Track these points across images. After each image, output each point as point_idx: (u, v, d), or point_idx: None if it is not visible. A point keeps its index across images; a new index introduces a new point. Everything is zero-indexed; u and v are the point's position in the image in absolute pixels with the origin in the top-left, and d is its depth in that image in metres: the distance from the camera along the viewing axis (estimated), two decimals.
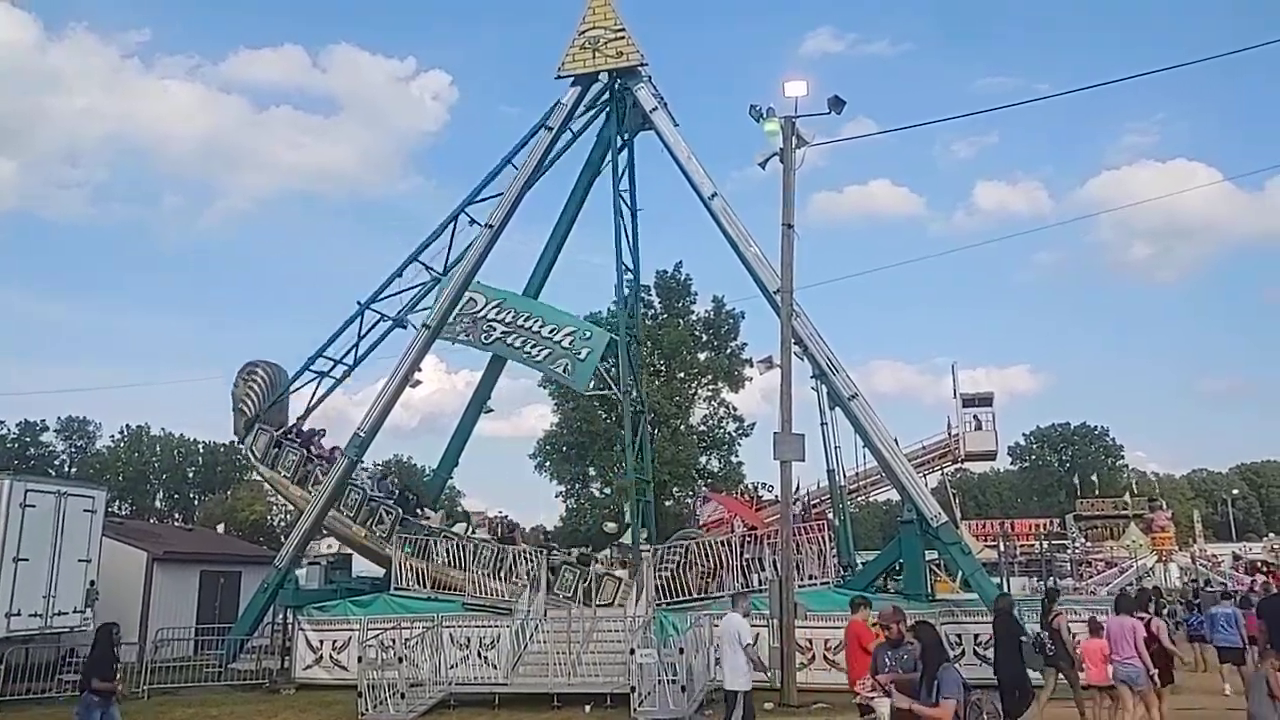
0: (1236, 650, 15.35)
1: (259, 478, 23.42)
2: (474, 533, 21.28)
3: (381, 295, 22.28)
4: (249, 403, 21.87)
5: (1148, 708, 11.26)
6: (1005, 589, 21.80)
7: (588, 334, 21.02)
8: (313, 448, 22.01)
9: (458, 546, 19.92)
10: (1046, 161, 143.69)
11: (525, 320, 21.01)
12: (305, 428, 22.73)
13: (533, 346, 20.88)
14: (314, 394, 22.65)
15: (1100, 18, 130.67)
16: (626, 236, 21.95)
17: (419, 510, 22.01)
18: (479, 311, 21.21)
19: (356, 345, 22.33)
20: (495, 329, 21.09)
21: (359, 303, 22.29)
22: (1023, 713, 9.65)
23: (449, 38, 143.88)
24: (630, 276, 22.29)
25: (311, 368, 22.62)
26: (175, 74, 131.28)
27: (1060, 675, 12.98)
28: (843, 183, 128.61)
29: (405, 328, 22.11)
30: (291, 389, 22.92)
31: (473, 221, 21.95)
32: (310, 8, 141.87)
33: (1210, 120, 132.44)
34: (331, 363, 22.60)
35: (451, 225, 21.96)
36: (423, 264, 21.98)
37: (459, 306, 21.20)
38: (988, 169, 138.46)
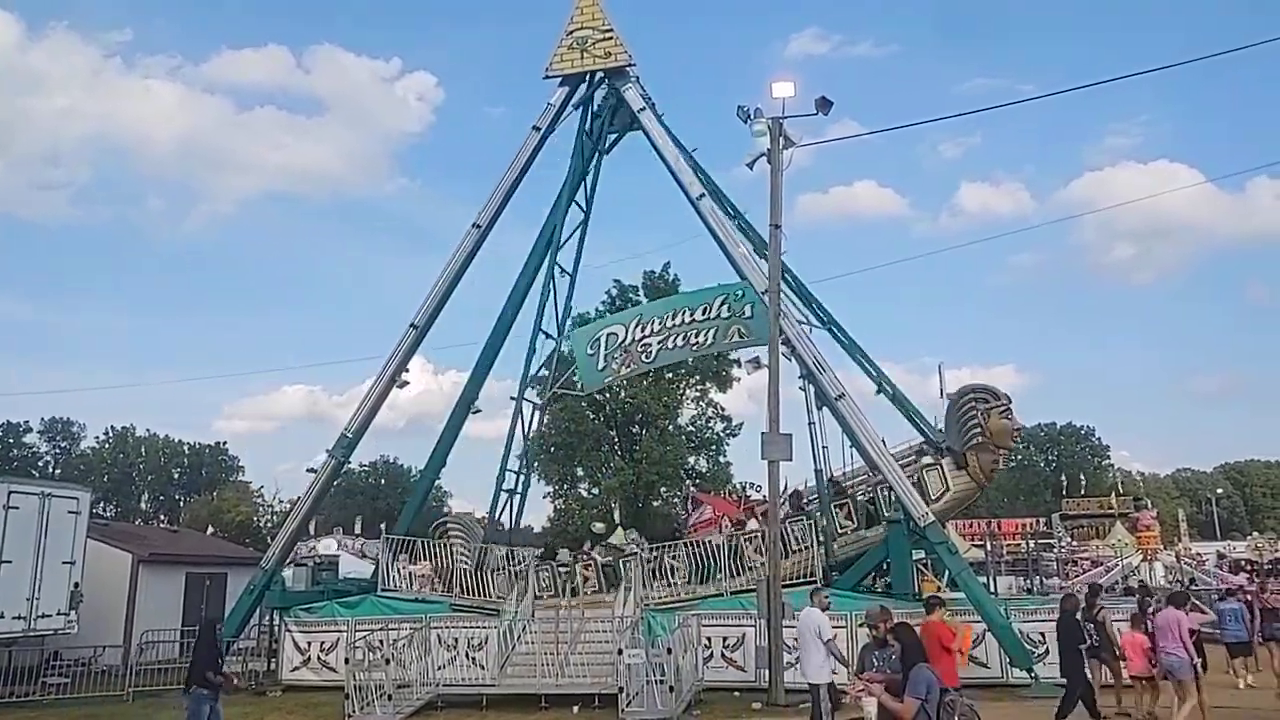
0: (1245, 644, 16.22)
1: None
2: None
3: (528, 382, 22.62)
4: (466, 558, 20.22)
5: (1188, 696, 11.72)
6: (992, 588, 21.96)
7: (740, 292, 20.38)
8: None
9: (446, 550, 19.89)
10: (1029, 162, 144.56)
11: (673, 320, 20.65)
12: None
13: (697, 335, 20.54)
14: (510, 511, 22.67)
15: (1085, 20, 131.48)
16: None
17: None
18: (625, 341, 20.95)
19: (525, 442, 22.53)
20: (651, 345, 20.76)
21: (512, 397, 22.52)
22: (1071, 709, 10.92)
23: (434, 38, 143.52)
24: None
25: (504, 489, 22.38)
26: (157, 74, 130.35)
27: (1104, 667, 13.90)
28: (828, 184, 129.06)
29: (558, 400, 22.41)
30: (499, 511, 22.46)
31: (563, 273, 22.52)
32: (293, 8, 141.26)
33: (1193, 121, 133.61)
34: (513, 474, 22.47)
35: (550, 283, 21.99)
36: (545, 333, 22.19)
37: (602, 347, 21.11)
38: (972, 170, 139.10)
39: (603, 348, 21.15)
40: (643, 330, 20.90)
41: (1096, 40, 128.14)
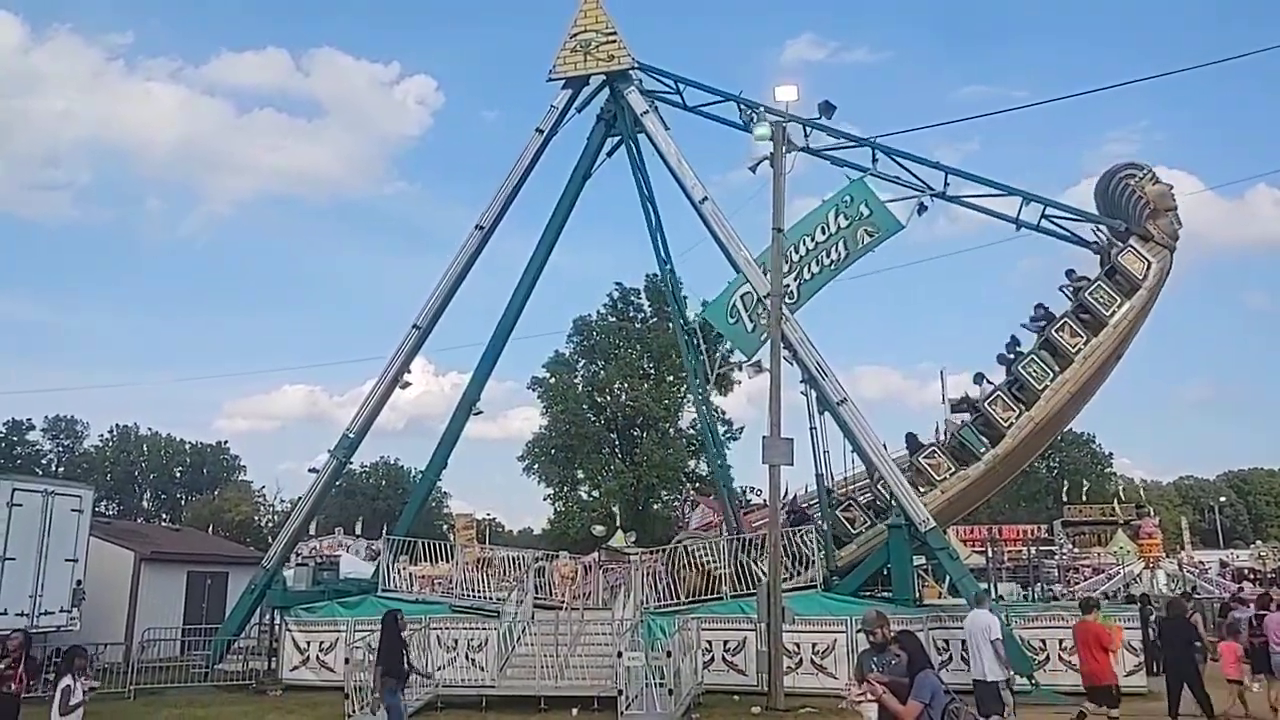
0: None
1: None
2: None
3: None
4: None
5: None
6: (993, 594, 21.91)
7: (848, 198, 20.31)
8: None
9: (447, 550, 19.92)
10: (1028, 169, 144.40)
11: (796, 253, 20.10)
12: None
13: (828, 254, 20.28)
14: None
15: (1082, 26, 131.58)
16: (658, 233, 22.94)
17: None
18: (763, 294, 19.50)
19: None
20: (790, 285, 19.69)
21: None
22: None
23: (433, 42, 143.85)
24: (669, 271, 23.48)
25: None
26: (158, 76, 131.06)
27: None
28: (823, 190, 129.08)
29: (733, 385, 22.44)
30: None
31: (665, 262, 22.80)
32: (292, 11, 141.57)
33: (1191, 128, 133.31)
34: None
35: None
36: (685, 322, 22.62)
37: (744, 311, 20.68)
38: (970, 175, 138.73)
39: (743, 311, 20.71)
40: (784, 262, 20.45)
41: (1093, 47, 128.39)
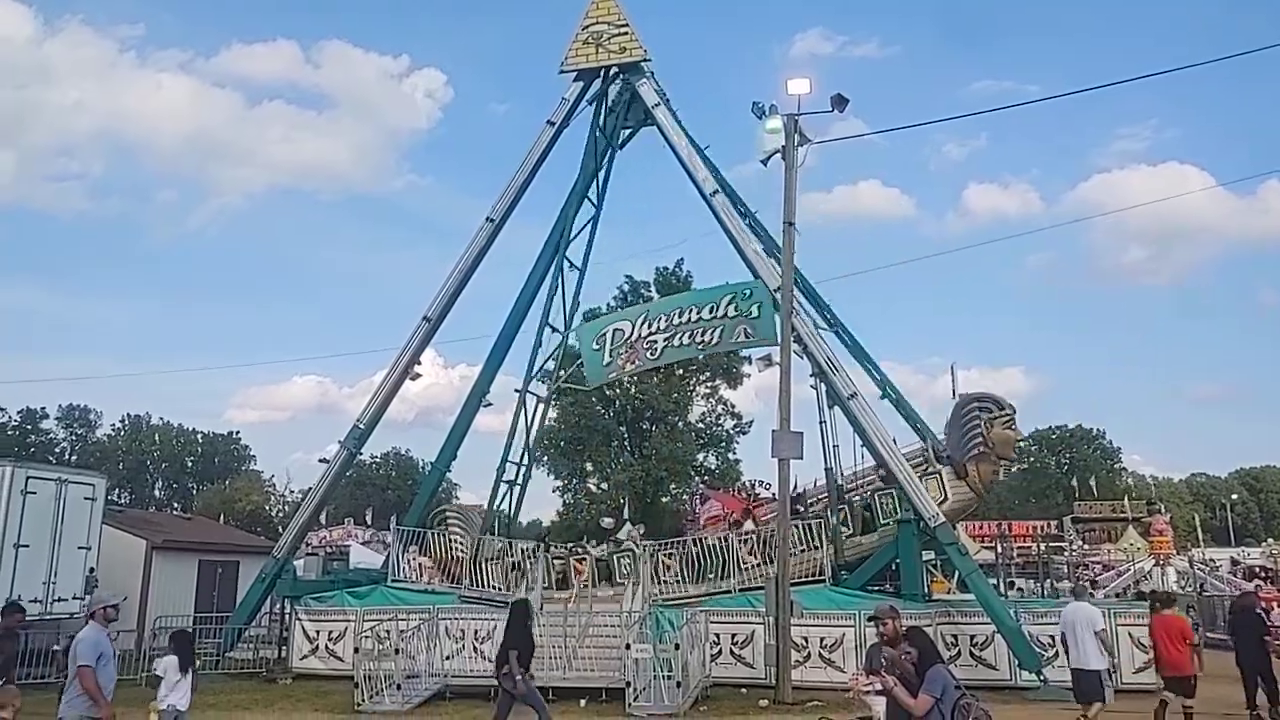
0: None
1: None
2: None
3: (532, 375, 22.53)
4: (462, 548, 20.31)
5: None
6: (1002, 591, 21.88)
7: (748, 292, 20.37)
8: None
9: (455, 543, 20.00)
10: (1037, 164, 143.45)
11: (680, 316, 20.59)
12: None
13: (703, 334, 20.46)
14: (510, 500, 22.69)
15: (1092, 22, 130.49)
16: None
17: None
18: (631, 337, 20.86)
19: (528, 436, 22.46)
20: (657, 341, 20.65)
21: (516, 390, 22.50)
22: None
23: (441, 35, 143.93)
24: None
25: (503, 480, 22.43)
26: (169, 68, 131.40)
27: None
28: (832, 183, 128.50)
29: (562, 394, 22.61)
30: (496, 502, 22.53)
31: (572, 267, 22.43)
32: (301, 2, 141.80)
33: (1203, 124, 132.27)
34: (514, 465, 22.50)
35: (559, 277, 22.02)
36: (552, 327, 22.08)
37: (608, 343, 20.99)
38: (978, 171, 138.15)
39: (609, 343, 21.09)
40: (649, 327, 20.84)
41: (1104, 42, 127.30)
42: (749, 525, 20.64)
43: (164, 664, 10.00)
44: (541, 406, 23.23)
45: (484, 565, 19.76)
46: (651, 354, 20.94)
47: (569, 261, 22.41)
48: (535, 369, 22.60)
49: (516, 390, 22.55)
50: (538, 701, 11.53)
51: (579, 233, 22.67)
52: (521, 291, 22.26)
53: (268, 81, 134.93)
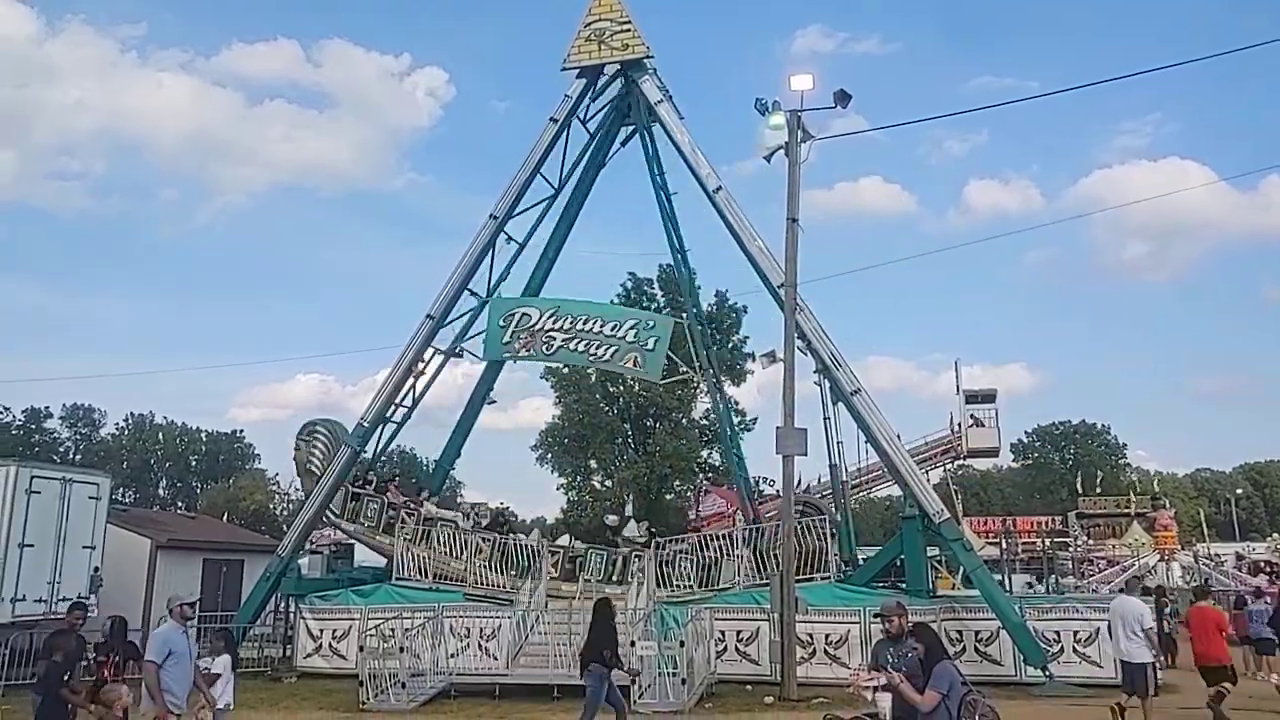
0: (1271, 643, 17.03)
1: (342, 533, 22.55)
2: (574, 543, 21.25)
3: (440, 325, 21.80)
4: (316, 463, 20.93)
5: None
6: (1007, 587, 21.86)
7: (651, 324, 20.80)
8: (389, 495, 21.48)
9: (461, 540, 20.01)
10: (1037, 160, 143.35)
11: (585, 324, 20.61)
12: (374, 475, 22.32)
13: (598, 348, 20.55)
14: (379, 439, 22.26)
15: (1092, 18, 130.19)
16: (670, 220, 22.83)
17: (511, 534, 21.92)
18: (535, 325, 20.82)
19: (414, 385, 21.94)
20: (556, 338, 20.68)
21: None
22: None
23: (441, 33, 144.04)
24: (681, 259, 23.32)
25: (385, 417, 21.85)
26: (169, 67, 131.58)
27: None
28: (833, 180, 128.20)
29: (460, 356, 22.35)
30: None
31: (510, 240, 22.01)
32: (302, 1, 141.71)
33: (1204, 119, 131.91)
34: (392, 406, 21.98)
35: (490, 246, 21.74)
36: (471, 291, 21.71)
37: (513, 324, 20.91)
38: (980, 167, 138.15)
39: (514, 324, 20.95)
40: (554, 322, 20.77)
41: (1104, 39, 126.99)
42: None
43: (220, 662, 10.16)
44: (439, 360, 22.18)
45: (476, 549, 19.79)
46: (547, 349, 20.91)
47: (508, 235, 21.88)
48: (441, 326, 21.84)
49: (410, 338, 21.69)
50: (619, 703, 11.57)
51: (529, 207, 22.02)
52: (525, 289, 22.32)
53: (269, 81, 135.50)
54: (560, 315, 20.89)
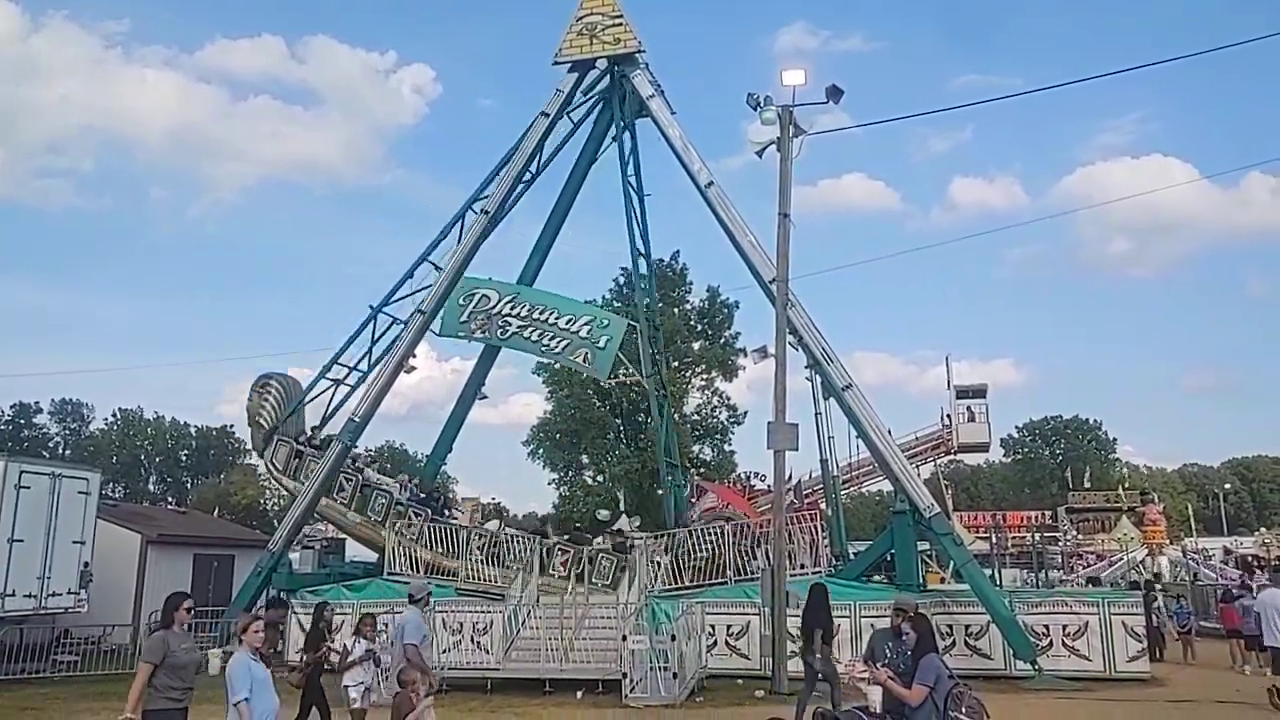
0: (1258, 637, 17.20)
1: (281, 488, 22.60)
2: (504, 530, 21.22)
3: (393, 298, 22.03)
4: (266, 416, 21.44)
5: None
6: (997, 581, 21.96)
7: (605, 322, 20.98)
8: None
9: (452, 534, 20.00)
10: (1020, 158, 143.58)
11: (541, 313, 20.77)
12: (322, 434, 22.36)
13: (550, 339, 20.70)
14: (330, 400, 22.42)
15: (1076, 16, 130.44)
16: (637, 221, 22.62)
17: (445, 511, 21.97)
18: (493, 308, 20.95)
19: (370, 350, 22.06)
20: (511, 324, 20.84)
21: (371, 307, 22.03)
22: None
23: (426, 30, 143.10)
24: (643, 260, 23.25)
25: (327, 375, 22.32)
26: (153, 63, 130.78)
27: None
28: (816, 177, 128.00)
29: (407, 325, 21.93)
30: (307, 398, 22.52)
31: (482, 212, 21.77)
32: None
33: (1185, 117, 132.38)
34: (346, 369, 22.30)
35: (459, 223, 21.76)
36: (432, 263, 21.72)
37: (472, 303, 20.99)
38: (963, 165, 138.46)
39: (472, 305, 21.06)
40: (512, 308, 20.93)
41: (1087, 37, 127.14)
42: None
43: (347, 644, 10.90)
44: (397, 330, 22.06)
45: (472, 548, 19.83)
46: (501, 334, 21.07)
47: (481, 211, 21.77)
48: (398, 294, 22.17)
49: (371, 306, 22.14)
50: (834, 678, 11.75)
51: (500, 191, 21.92)
52: (517, 284, 22.28)
53: (253, 77, 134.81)
54: (519, 302, 21.01)
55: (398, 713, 8.33)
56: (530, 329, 20.81)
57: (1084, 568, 40.23)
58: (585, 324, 20.60)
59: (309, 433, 22.16)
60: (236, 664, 6.71)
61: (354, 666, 10.72)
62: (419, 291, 21.68)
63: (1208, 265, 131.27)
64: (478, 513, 23.93)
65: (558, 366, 46.40)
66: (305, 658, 11.14)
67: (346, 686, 10.68)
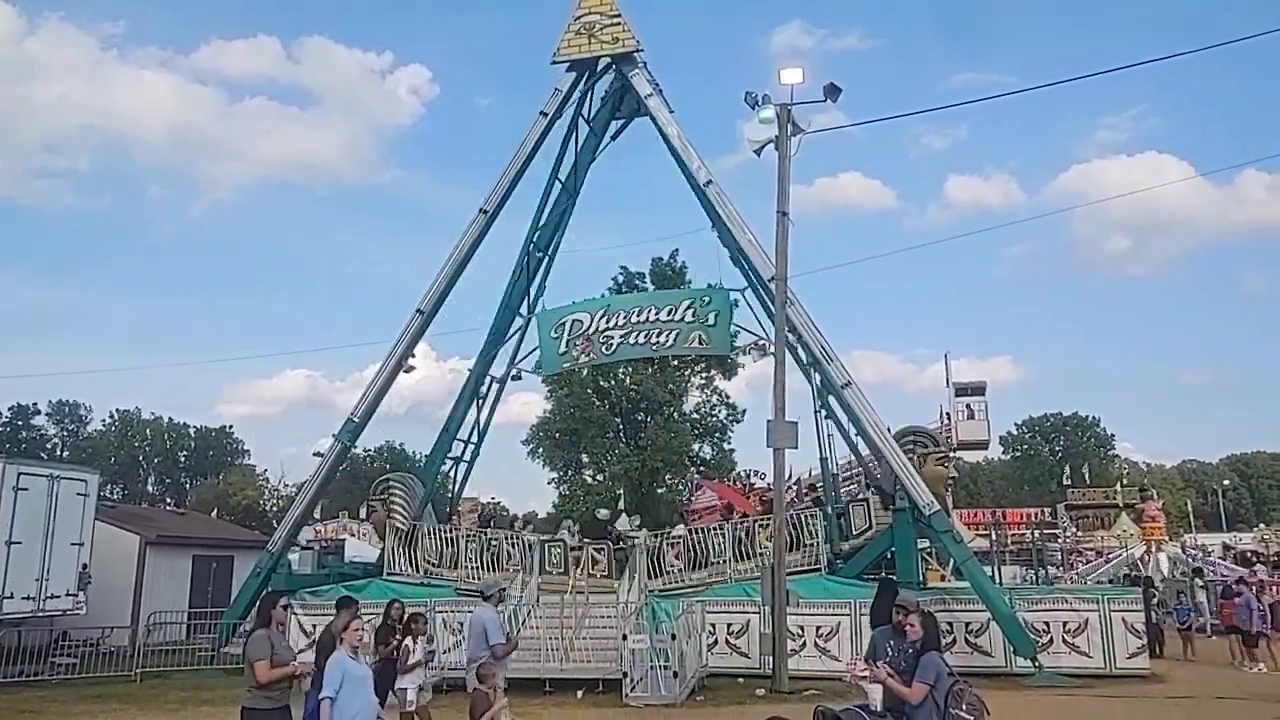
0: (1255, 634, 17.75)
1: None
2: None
3: (491, 358, 22.39)
4: (399, 517, 20.16)
5: None
6: (997, 578, 21.94)
7: (707, 299, 20.65)
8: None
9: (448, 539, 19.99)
10: (1017, 155, 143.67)
11: (639, 315, 20.62)
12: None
13: (659, 336, 20.51)
14: (454, 478, 22.72)
15: (1072, 14, 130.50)
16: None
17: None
18: (588, 329, 20.86)
19: (478, 418, 22.52)
20: (613, 337, 20.69)
21: (469, 370, 22.47)
22: None
23: (423, 30, 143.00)
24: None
25: (448, 455, 22.50)
26: (149, 64, 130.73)
27: None
28: (812, 176, 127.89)
29: (520, 379, 22.82)
30: (439, 476, 22.40)
31: (539, 249, 22.23)
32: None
33: (1181, 115, 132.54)
34: (461, 444, 22.54)
35: (524, 263, 21.93)
36: (520, 314, 21.97)
37: (566, 332, 20.99)
38: (959, 163, 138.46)
39: (566, 333, 21.03)
40: (607, 322, 20.85)
41: (1083, 35, 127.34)
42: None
43: (404, 646, 10.74)
44: (497, 388, 22.89)
45: (414, 538, 19.79)
46: (607, 349, 20.99)
47: (534, 245, 22.10)
48: (492, 353, 22.40)
49: (469, 370, 22.49)
50: None
51: (545, 220, 22.39)
52: (511, 283, 22.24)
53: (249, 78, 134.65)
54: (611, 313, 20.96)
55: (474, 710, 8.20)
56: (633, 334, 20.62)
57: (1083, 564, 40.25)
58: (687, 308, 20.35)
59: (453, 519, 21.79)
60: (333, 662, 6.84)
61: (416, 668, 10.68)
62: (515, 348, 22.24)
63: (1205, 262, 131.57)
64: (474, 513, 23.88)
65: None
66: (377, 653, 10.82)
67: (404, 689, 10.54)
